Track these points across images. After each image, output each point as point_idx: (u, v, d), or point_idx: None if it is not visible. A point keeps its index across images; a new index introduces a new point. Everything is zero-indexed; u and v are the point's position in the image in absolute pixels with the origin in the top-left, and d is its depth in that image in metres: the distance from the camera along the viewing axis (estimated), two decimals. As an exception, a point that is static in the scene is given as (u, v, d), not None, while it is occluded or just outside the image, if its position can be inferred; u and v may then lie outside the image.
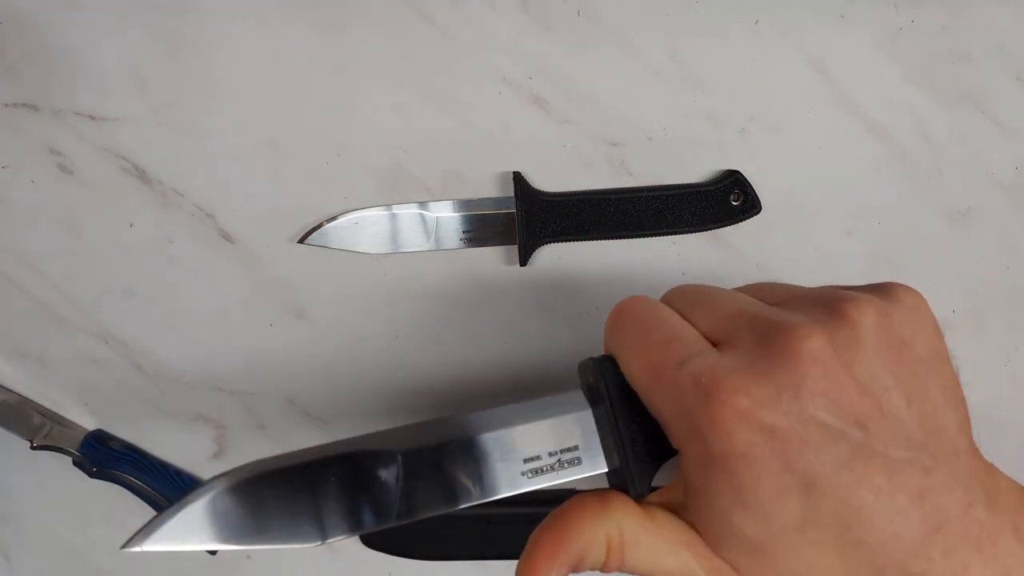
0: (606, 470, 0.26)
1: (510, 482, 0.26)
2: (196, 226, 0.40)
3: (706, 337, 0.25)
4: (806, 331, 0.22)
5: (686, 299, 0.26)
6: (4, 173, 0.39)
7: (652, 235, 0.39)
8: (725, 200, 0.39)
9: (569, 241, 0.39)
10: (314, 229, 0.39)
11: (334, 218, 0.39)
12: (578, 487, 0.26)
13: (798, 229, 0.40)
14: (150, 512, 0.42)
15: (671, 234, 0.39)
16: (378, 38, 0.38)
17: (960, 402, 0.25)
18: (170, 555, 0.44)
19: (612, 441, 0.26)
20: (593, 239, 0.39)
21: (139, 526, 0.44)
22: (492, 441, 0.26)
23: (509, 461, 0.26)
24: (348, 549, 0.44)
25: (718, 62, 0.38)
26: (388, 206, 0.39)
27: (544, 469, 0.26)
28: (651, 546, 0.25)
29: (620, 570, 0.25)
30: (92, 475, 0.41)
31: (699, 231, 0.39)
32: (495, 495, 0.26)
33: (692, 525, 0.25)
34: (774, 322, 0.23)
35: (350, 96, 0.38)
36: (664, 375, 0.24)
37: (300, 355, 0.41)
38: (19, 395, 0.42)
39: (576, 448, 0.26)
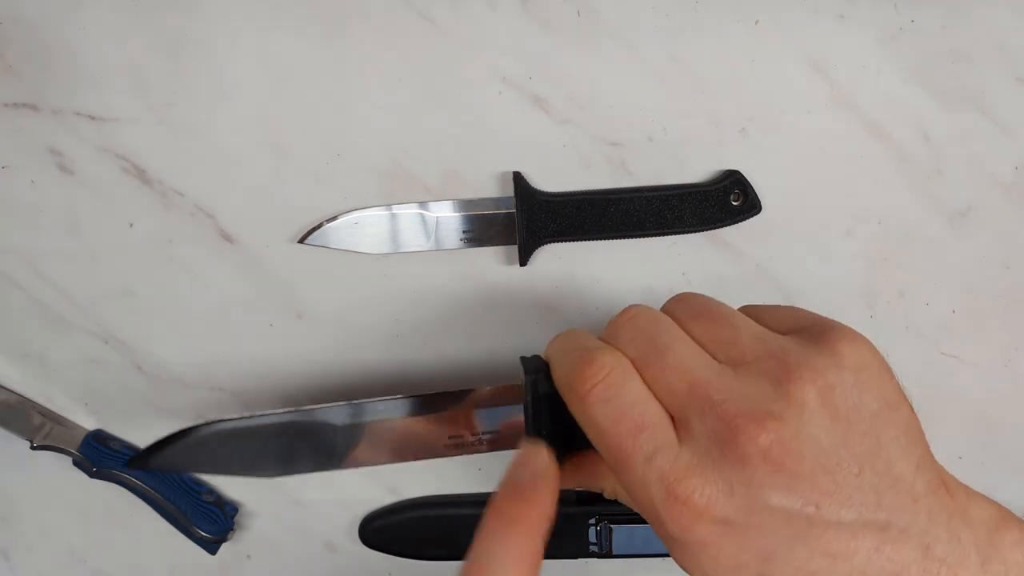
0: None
1: (432, 446, 0.32)
2: (196, 226, 0.40)
3: (664, 405, 0.26)
4: (756, 421, 0.24)
5: (643, 350, 0.27)
6: (4, 173, 0.39)
7: (652, 235, 0.39)
8: (725, 200, 0.39)
9: (569, 241, 0.39)
10: (314, 229, 0.39)
11: (334, 218, 0.39)
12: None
13: (798, 229, 0.40)
14: (150, 512, 0.42)
15: (671, 234, 0.39)
16: (378, 38, 0.38)
17: (917, 441, 0.26)
18: (169, 553, 0.44)
19: (531, 432, 0.30)
20: (593, 239, 0.39)
21: (139, 526, 0.44)
22: (424, 419, 0.32)
23: (436, 435, 0.32)
24: (348, 549, 0.44)
25: (718, 62, 0.38)
26: (388, 206, 0.39)
27: (463, 445, 0.32)
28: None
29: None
30: (92, 475, 0.41)
31: (699, 231, 0.39)
32: (420, 459, 0.32)
33: None
34: (726, 411, 0.25)
35: (350, 96, 0.38)
36: (632, 466, 0.26)
37: (300, 355, 0.41)
38: (19, 395, 0.42)
39: (497, 431, 0.32)
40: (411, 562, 0.43)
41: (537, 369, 0.30)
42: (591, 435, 0.27)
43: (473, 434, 0.32)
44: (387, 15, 0.38)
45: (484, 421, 0.32)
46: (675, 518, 0.25)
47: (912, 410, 0.26)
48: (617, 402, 0.26)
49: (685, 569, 0.26)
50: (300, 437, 0.32)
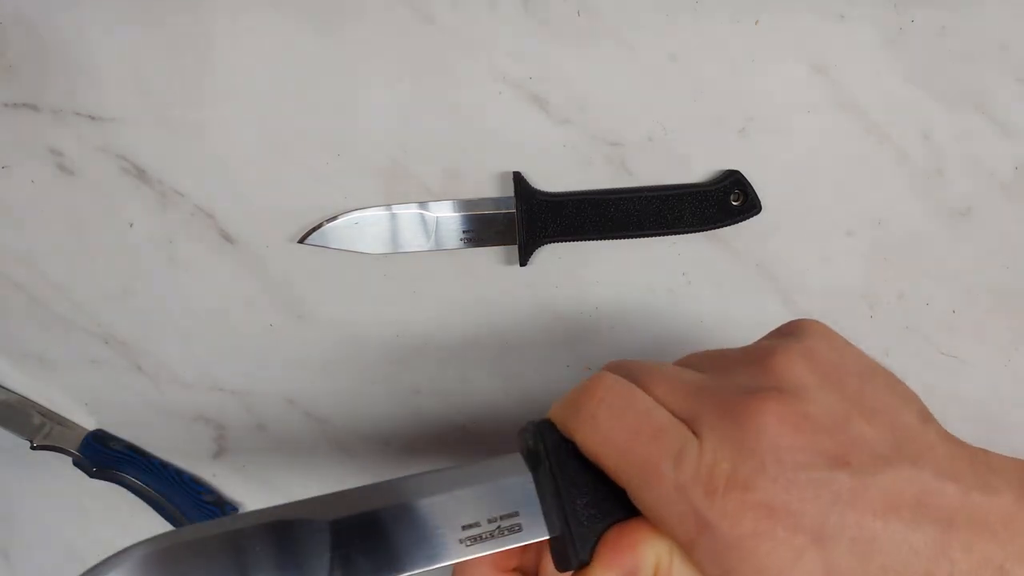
0: (547, 537, 0.26)
1: (447, 550, 0.25)
2: (196, 226, 0.40)
3: (672, 413, 0.25)
4: (759, 397, 0.24)
5: (637, 375, 0.27)
6: (4, 173, 0.39)
7: (652, 235, 0.39)
8: (725, 200, 0.39)
9: (569, 241, 0.39)
10: (314, 229, 0.39)
11: (334, 218, 0.39)
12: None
13: (798, 229, 0.40)
14: (150, 512, 0.42)
15: (671, 234, 0.39)
16: (378, 38, 0.38)
17: (910, 396, 0.26)
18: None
19: (553, 507, 0.25)
20: (593, 239, 0.39)
21: (139, 526, 0.44)
22: (427, 507, 0.25)
23: (445, 528, 0.25)
24: (348, 549, 0.44)
25: (718, 62, 0.38)
26: (388, 206, 0.39)
27: (483, 536, 0.25)
28: None
29: None
30: (92, 475, 0.41)
31: (699, 231, 0.39)
32: (432, 564, 0.25)
33: None
34: (730, 397, 0.24)
35: (350, 96, 0.38)
36: (663, 477, 0.24)
37: (300, 355, 0.41)
38: (19, 395, 0.42)
39: (516, 515, 0.26)
40: (411, 562, 0.43)
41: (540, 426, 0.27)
42: (609, 460, 0.25)
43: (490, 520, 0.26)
44: (387, 15, 0.38)
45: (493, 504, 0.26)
46: (723, 512, 0.23)
47: (891, 371, 0.26)
48: (630, 413, 0.25)
49: None
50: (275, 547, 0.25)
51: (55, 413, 0.42)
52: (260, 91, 0.38)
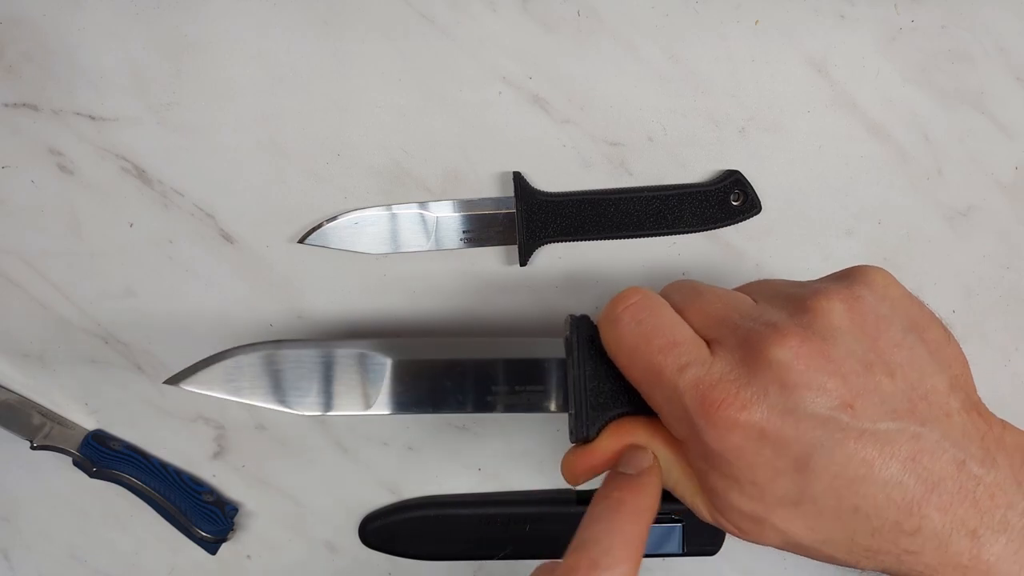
0: (564, 412, 0.31)
1: (478, 402, 0.32)
2: (196, 226, 0.40)
3: (699, 333, 0.27)
4: (783, 332, 0.25)
5: (683, 295, 0.29)
6: (4, 173, 0.39)
7: (652, 235, 0.39)
8: (725, 200, 0.39)
9: (569, 241, 0.39)
10: (314, 229, 0.39)
11: (334, 218, 0.39)
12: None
13: (798, 229, 0.40)
14: (150, 512, 0.42)
15: (671, 234, 0.39)
16: (378, 38, 0.38)
17: (952, 361, 0.26)
18: (169, 553, 0.44)
19: (574, 389, 0.30)
20: (593, 239, 0.39)
21: (139, 526, 0.44)
22: (476, 366, 0.32)
23: (482, 384, 0.31)
24: (348, 549, 0.44)
25: (718, 62, 0.38)
26: (388, 206, 0.39)
27: (509, 400, 0.32)
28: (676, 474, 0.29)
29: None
30: (92, 475, 0.41)
31: (699, 231, 0.39)
32: (465, 411, 0.32)
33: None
34: (756, 327, 0.26)
35: (350, 96, 0.38)
36: (664, 378, 0.26)
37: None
38: (19, 395, 0.42)
39: (541, 390, 0.32)
40: (411, 562, 0.43)
41: (583, 319, 0.32)
42: (619, 359, 0.28)
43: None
44: (387, 15, 0.38)
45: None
46: (711, 426, 0.25)
47: (949, 335, 0.27)
48: (650, 322, 0.27)
49: (718, 493, 0.27)
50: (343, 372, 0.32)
51: (55, 413, 0.42)
52: (260, 91, 0.38)
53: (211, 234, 0.40)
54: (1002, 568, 0.24)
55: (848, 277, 0.28)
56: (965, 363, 0.27)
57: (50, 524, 0.44)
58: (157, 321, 0.41)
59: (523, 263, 0.39)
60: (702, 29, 0.37)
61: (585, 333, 0.30)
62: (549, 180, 0.39)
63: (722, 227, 0.39)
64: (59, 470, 0.42)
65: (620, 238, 0.39)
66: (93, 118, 0.39)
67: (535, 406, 0.32)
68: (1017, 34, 0.37)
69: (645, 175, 0.39)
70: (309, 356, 0.32)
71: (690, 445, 0.27)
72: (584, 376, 0.30)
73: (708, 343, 0.27)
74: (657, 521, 0.40)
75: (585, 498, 0.43)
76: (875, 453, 0.24)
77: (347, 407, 0.32)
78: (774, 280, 0.30)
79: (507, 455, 0.43)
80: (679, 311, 0.28)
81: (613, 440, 0.30)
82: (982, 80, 0.38)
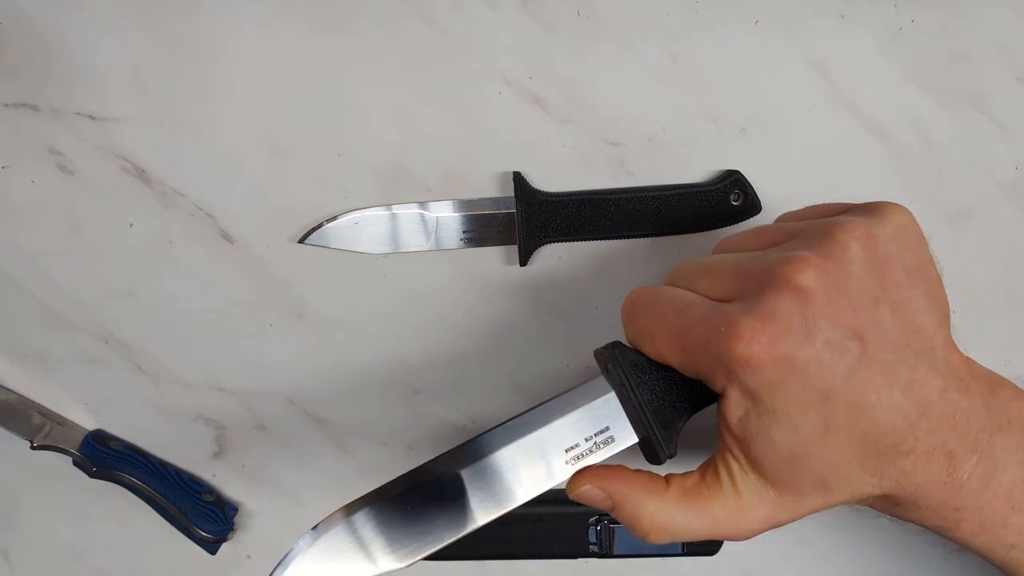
0: (636, 441, 0.30)
1: (555, 472, 0.30)
2: (196, 226, 0.40)
3: (717, 298, 0.29)
4: (800, 264, 0.27)
5: (687, 275, 0.30)
6: (4, 173, 0.39)
7: (652, 235, 0.39)
8: (725, 200, 0.39)
9: (569, 241, 0.39)
10: (314, 229, 0.39)
11: (334, 218, 0.39)
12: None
13: (798, 229, 0.40)
14: (150, 512, 0.42)
15: (671, 234, 0.39)
16: (378, 38, 0.38)
17: (940, 302, 0.29)
18: (169, 553, 0.44)
19: (636, 415, 0.30)
20: (593, 239, 0.39)
21: (139, 526, 0.44)
22: (534, 441, 0.30)
23: (551, 455, 0.30)
24: (348, 549, 0.44)
25: (718, 62, 0.38)
26: (388, 206, 0.39)
27: (583, 454, 0.30)
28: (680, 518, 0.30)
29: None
30: (92, 475, 0.41)
31: (699, 231, 0.39)
32: (546, 487, 0.30)
33: (733, 458, 0.29)
34: (769, 267, 0.27)
35: (350, 96, 0.38)
36: (689, 336, 0.28)
37: (300, 355, 0.41)
38: (19, 395, 0.42)
39: (607, 429, 0.30)
40: (411, 562, 0.43)
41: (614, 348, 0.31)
42: (654, 349, 0.29)
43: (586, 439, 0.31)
44: (387, 15, 0.38)
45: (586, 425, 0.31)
46: (744, 363, 0.26)
47: (939, 277, 0.29)
48: (656, 304, 0.30)
49: (755, 437, 0.28)
50: None
51: (55, 413, 0.42)
52: (260, 91, 0.38)
53: (211, 234, 0.40)
54: (971, 486, 0.28)
55: (868, 211, 0.29)
56: (947, 304, 0.30)
57: (50, 524, 0.44)
58: (157, 321, 0.41)
59: (523, 263, 0.39)
60: (702, 29, 0.37)
61: (621, 355, 0.30)
62: (549, 180, 0.39)
63: (722, 227, 0.39)
64: (59, 470, 0.42)
65: (620, 238, 0.39)
66: (93, 118, 0.39)
67: (606, 451, 0.30)
68: (1017, 34, 0.37)
69: (645, 175, 0.39)
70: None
71: (730, 394, 0.28)
72: (641, 396, 0.30)
73: (732, 300, 0.28)
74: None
75: (585, 498, 0.43)
76: (881, 382, 0.27)
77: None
78: (788, 221, 0.32)
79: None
80: (698, 283, 0.30)
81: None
82: (982, 80, 0.38)
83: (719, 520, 0.29)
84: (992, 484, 0.28)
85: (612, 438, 0.30)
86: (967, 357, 0.29)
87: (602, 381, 0.31)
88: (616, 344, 0.31)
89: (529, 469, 0.30)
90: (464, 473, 0.30)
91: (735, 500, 0.29)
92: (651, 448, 0.30)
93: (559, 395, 0.31)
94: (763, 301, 0.26)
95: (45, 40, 0.38)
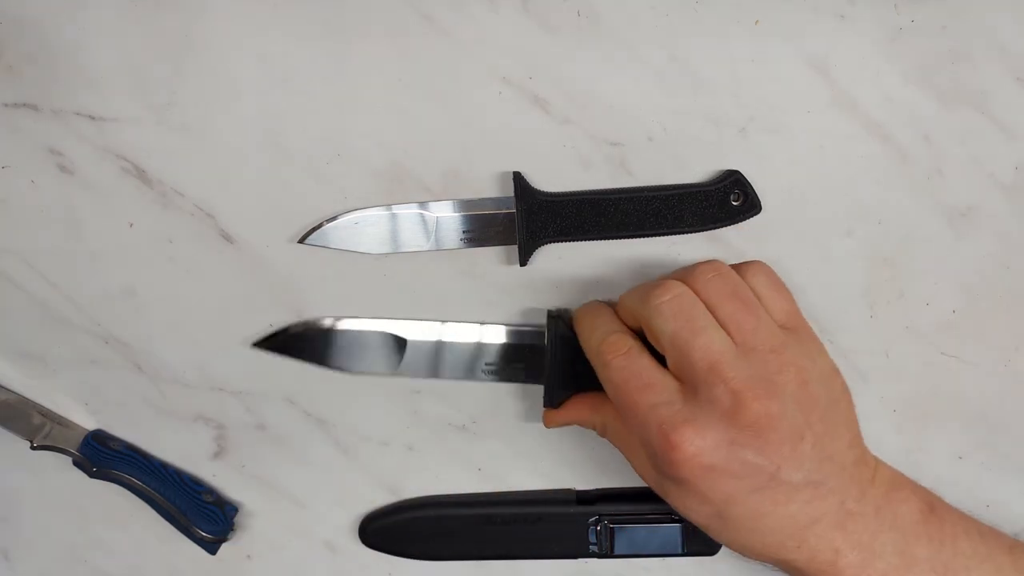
0: (539, 384, 0.39)
1: (473, 372, 0.41)
2: (196, 226, 0.40)
3: (678, 374, 0.33)
4: (753, 403, 0.31)
5: (680, 325, 0.33)
6: (4, 173, 0.39)
7: (652, 235, 0.39)
8: (725, 200, 0.39)
9: (569, 241, 0.39)
10: (314, 229, 0.39)
11: (334, 218, 0.39)
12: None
13: (798, 229, 0.40)
14: (150, 512, 0.42)
15: (671, 234, 0.39)
16: (378, 38, 0.38)
17: (851, 424, 0.34)
18: (169, 554, 0.44)
19: (549, 369, 0.39)
20: (593, 239, 0.39)
21: (139, 526, 0.44)
22: (474, 347, 0.40)
23: (479, 360, 0.40)
24: (348, 549, 0.44)
25: (718, 62, 0.38)
26: (388, 206, 0.39)
27: (497, 372, 0.41)
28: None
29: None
30: (92, 475, 0.41)
31: (699, 231, 0.39)
32: (461, 378, 0.41)
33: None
34: (733, 389, 0.31)
35: (350, 96, 0.38)
36: (638, 414, 0.33)
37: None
38: (19, 395, 0.42)
39: (522, 366, 0.40)
40: (411, 562, 0.43)
41: (559, 317, 0.40)
42: (609, 388, 0.35)
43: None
44: (387, 15, 0.38)
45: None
46: (668, 459, 0.31)
47: (850, 399, 0.34)
48: (631, 368, 0.34)
49: (668, 494, 0.34)
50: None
51: (55, 413, 0.42)
52: (260, 91, 0.38)
53: (211, 234, 0.40)
54: (850, 572, 0.33)
55: (807, 353, 0.34)
56: (857, 423, 0.34)
57: (50, 524, 0.44)
58: (157, 321, 0.41)
59: (523, 263, 0.39)
60: (702, 29, 0.37)
61: (561, 329, 0.38)
62: (549, 180, 0.39)
63: (722, 227, 0.39)
64: (59, 470, 0.42)
65: (620, 238, 0.39)
66: (93, 118, 0.39)
67: (518, 379, 0.41)
68: (1017, 34, 0.37)
69: (645, 175, 0.39)
70: None
71: (647, 467, 0.34)
72: (559, 360, 0.38)
73: (683, 386, 0.32)
74: (657, 521, 0.41)
75: (585, 498, 0.43)
76: (782, 498, 0.32)
77: None
78: (766, 299, 0.35)
79: (507, 455, 0.43)
80: (672, 343, 0.33)
81: (572, 407, 0.39)
82: (982, 80, 0.38)
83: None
84: (868, 569, 0.33)
85: (523, 373, 0.40)
86: (876, 462, 0.35)
87: (542, 334, 0.40)
88: (560, 320, 0.39)
89: (462, 358, 0.40)
90: (409, 341, 0.40)
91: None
92: (546, 395, 0.39)
93: (513, 325, 0.41)
94: (703, 419, 0.31)
95: (45, 40, 0.38)
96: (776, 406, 0.31)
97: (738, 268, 0.36)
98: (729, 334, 0.32)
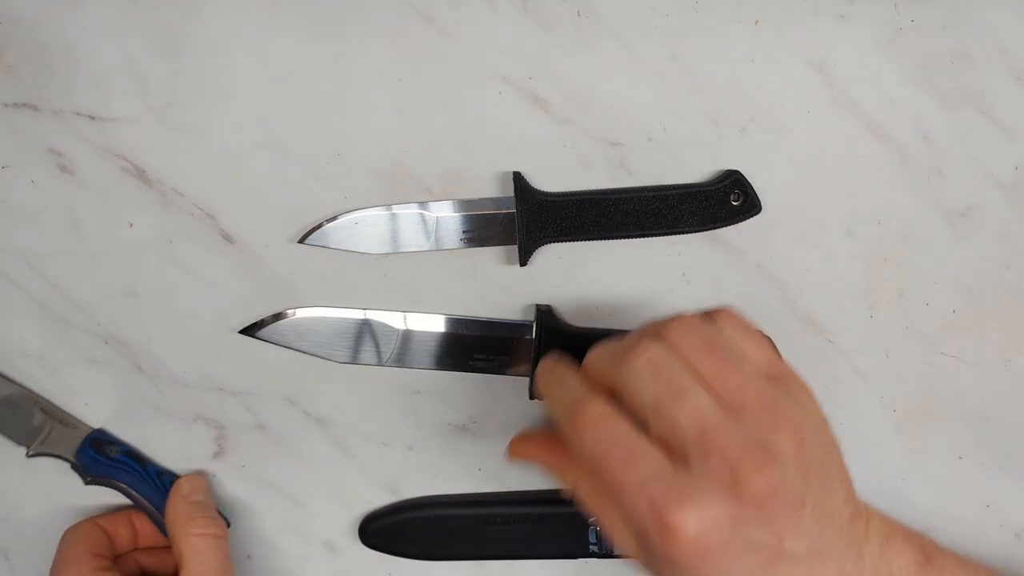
0: (524, 377, 0.40)
1: (460, 364, 0.41)
2: (196, 226, 0.40)
3: (668, 441, 0.29)
4: (752, 474, 0.27)
5: (660, 389, 0.30)
6: (4, 173, 0.39)
7: (652, 235, 0.39)
8: (725, 200, 0.39)
9: (569, 241, 0.39)
10: (314, 229, 0.39)
11: (334, 218, 0.39)
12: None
13: (798, 229, 0.40)
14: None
15: (671, 234, 0.39)
16: (378, 38, 0.38)
17: (845, 478, 0.31)
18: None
19: (535, 362, 0.38)
20: (593, 239, 0.39)
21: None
22: (460, 338, 0.40)
23: (465, 352, 0.40)
24: (348, 549, 0.44)
25: (718, 62, 0.38)
26: (388, 206, 0.39)
27: (483, 365, 0.41)
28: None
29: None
30: (87, 483, 0.41)
31: (699, 231, 0.39)
32: (448, 369, 0.41)
33: None
34: (729, 459, 0.28)
35: (350, 96, 0.38)
36: (624, 490, 0.28)
37: (300, 355, 0.41)
38: (23, 388, 0.42)
39: (508, 360, 0.40)
40: (411, 562, 0.43)
41: (548, 311, 0.40)
42: (585, 463, 0.30)
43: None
44: (387, 15, 0.38)
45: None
46: (663, 542, 0.28)
47: (839, 449, 0.31)
48: (609, 438, 0.29)
49: (649, 572, 0.30)
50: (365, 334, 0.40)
51: (58, 409, 0.42)
52: (260, 91, 0.38)
53: (211, 234, 0.40)
54: None
55: (799, 406, 0.30)
56: (849, 477, 0.32)
57: (50, 525, 0.44)
58: (157, 321, 0.41)
59: (523, 263, 0.39)
60: (702, 29, 0.37)
61: (548, 326, 0.39)
62: (549, 180, 0.39)
63: (722, 227, 0.39)
64: (59, 470, 0.42)
65: (620, 238, 0.39)
66: (93, 118, 0.39)
67: (503, 370, 0.41)
68: (1017, 34, 0.37)
69: (645, 175, 0.39)
70: None
71: (635, 534, 0.29)
72: (543, 356, 0.38)
73: (672, 455, 0.28)
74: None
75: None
76: (783, 571, 0.29)
77: None
78: (745, 350, 0.31)
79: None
80: (655, 410, 0.29)
81: (544, 449, 0.36)
82: (982, 80, 0.38)
83: None
84: None
85: (508, 366, 0.40)
86: (868, 512, 0.33)
87: (530, 328, 0.40)
88: (546, 314, 0.40)
89: (449, 349, 0.40)
90: (401, 330, 0.40)
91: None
92: (531, 385, 0.39)
93: (498, 321, 0.41)
94: (699, 495, 0.27)
95: (45, 40, 0.38)
96: (778, 474, 0.28)
97: (705, 318, 0.32)
98: (713, 393, 0.29)
